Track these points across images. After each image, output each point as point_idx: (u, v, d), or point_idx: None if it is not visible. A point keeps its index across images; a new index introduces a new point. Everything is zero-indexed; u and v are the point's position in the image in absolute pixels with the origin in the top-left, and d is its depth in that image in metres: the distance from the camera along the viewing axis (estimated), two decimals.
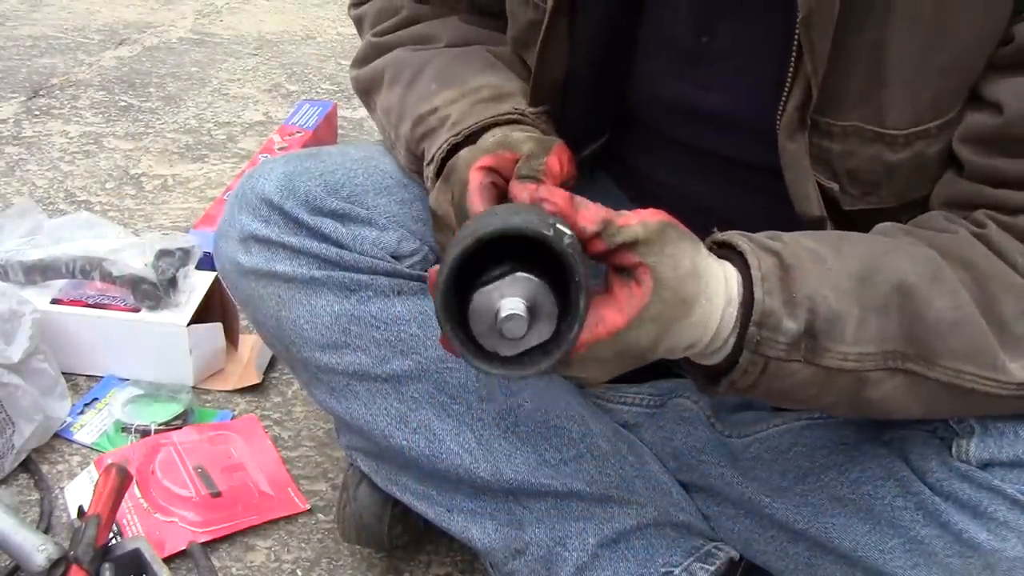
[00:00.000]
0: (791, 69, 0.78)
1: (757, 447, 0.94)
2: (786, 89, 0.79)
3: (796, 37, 0.76)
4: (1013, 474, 0.81)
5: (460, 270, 0.60)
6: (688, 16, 0.84)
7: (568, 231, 0.61)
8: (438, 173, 0.87)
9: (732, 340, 0.71)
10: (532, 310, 0.59)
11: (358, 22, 1.07)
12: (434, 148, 0.88)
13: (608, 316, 0.67)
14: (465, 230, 0.63)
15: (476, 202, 0.76)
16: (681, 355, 0.72)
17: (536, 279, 0.60)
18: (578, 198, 0.67)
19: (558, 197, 0.66)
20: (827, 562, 0.91)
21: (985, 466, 0.82)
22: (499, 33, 0.98)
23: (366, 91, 1.02)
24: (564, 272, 0.61)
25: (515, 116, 0.87)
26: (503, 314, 0.58)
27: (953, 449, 0.83)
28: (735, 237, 0.73)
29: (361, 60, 1.03)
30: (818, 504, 0.90)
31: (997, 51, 0.76)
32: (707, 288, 0.69)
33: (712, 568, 0.94)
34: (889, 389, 0.74)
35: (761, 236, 0.74)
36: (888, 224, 0.81)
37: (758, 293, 0.70)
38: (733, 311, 0.70)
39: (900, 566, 0.85)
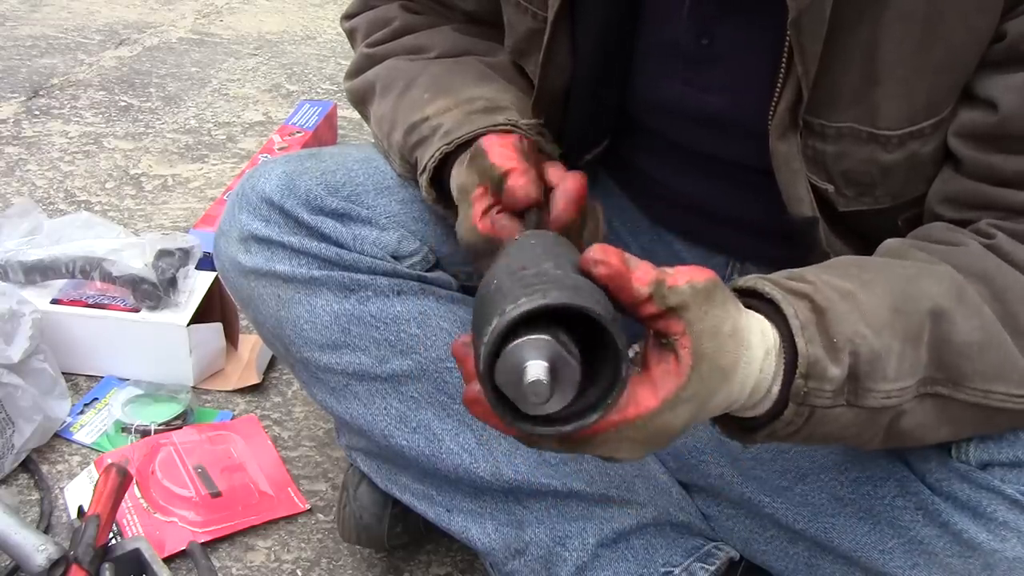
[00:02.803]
0: (782, 70, 0.78)
1: (757, 447, 0.94)
2: (777, 90, 0.79)
3: (787, 39, 0.76)
4: (1012, 475, 0.81)
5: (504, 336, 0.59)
6: (687, 19, 0.84)
7: (612, 312, 0.59)
8: (431, 181, 0.88)
9: (775, 393, 0.68)
10: (555, 374, 0.58)
11: (350, 34, 1.07)
12: (426, 157, 0.88)
13: (642, 397, 0.63)
14: (514, 282, 0.61)
15: (515, 166, 0.77)
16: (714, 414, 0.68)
17: (561, 348, 0.58)
18: (630, 257, 0.63)
19: (613, 258, 0.61)
20: (827, 562, 0.91)
21: (985, 467, 0.82)
22: (493, 43, 0.98)
23: (360, 101, 1.02)
24: (598, 343, 0.60)
25: (508, 128, 0.87)
26: (528, 379, 0.57)
27: (953, 450, 0.83)
28: (760, 283, 0.69)
29: (354, 71, 1.03)
30: (818, 504, 0.90)
31: (990, 48, 0.76)
32: (747, 351, 0.65)
33: (712, 568, 0.94)
34: (920, 416, 0.73)
35: (782, 278, 0.71)
36: (896, 241, 0.80)
37: (800, 344, 0.66)
38: (772, 363, 0.67)
39: (900, 566, 0.85)
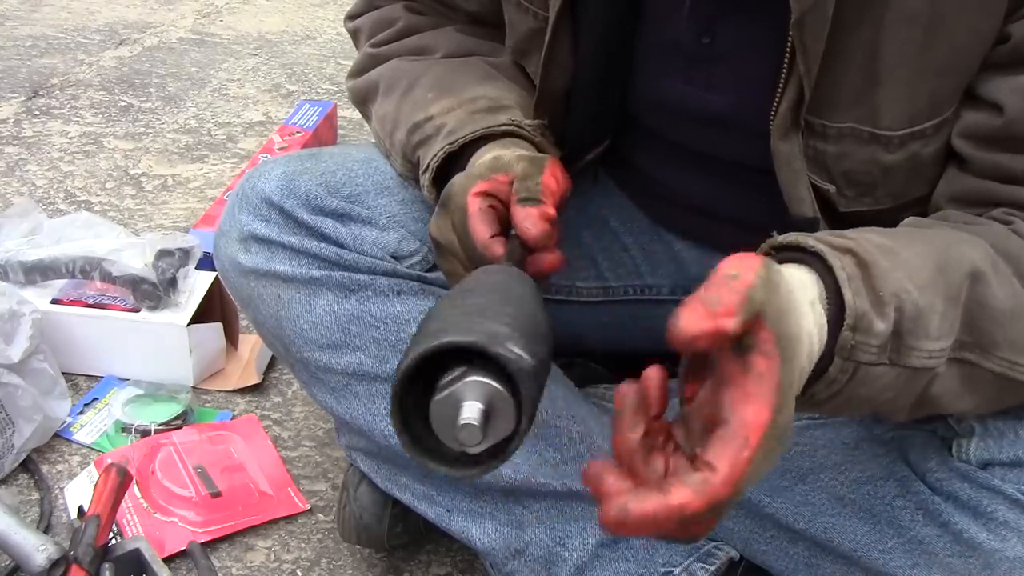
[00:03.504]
0: (784, 70, 0.78)
1: None
2: (779, 90, 0.79)
3: (789, 38, 0.76)
4: (1013, 474, 0.81)
5: (412, 378, 0.59)
6: (688, 18, 0.84)
7: (514, 351, 0.58)
8: (434, 180, 0.88)
9: (821, 349, 0.64)
10: (488, 412, 0.58)
11: (354, 34, 1.07)
12: (429, 156, 0.88)
13: (750, 417, 0.55)
14: (424, 330, 0.61)
15: (478, 228, 0.77)
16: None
17: (489, 381, 0.58)
18: (709, 303, 0.55)
19: (708, 326, 0.54)
20: (827, 562, 0.91)
21: (985, 466, 0.82)
22: (496, 43, 0.98)
23: (362, 100, 1.02)
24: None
25: (511, 128, 0.87)
26: (459, 423, 0.58)
27: (953, 449, 0.83)
28: (803, 238, 0.67)
29: (357, 71, 1.03)
30: (818, 504, 0.90)
31: (994, 50, 0.76)
32: (798, 310, 0.60)
33: (712, 568, 0.94)
34: (948, 382, 0.71)
35: (826, 235, 0.68)
36: (918, 219, 0.80)
37: (848, 296, 0.64)
38: (820, 312, 0.64)
39: (900, 566, 0.85)
